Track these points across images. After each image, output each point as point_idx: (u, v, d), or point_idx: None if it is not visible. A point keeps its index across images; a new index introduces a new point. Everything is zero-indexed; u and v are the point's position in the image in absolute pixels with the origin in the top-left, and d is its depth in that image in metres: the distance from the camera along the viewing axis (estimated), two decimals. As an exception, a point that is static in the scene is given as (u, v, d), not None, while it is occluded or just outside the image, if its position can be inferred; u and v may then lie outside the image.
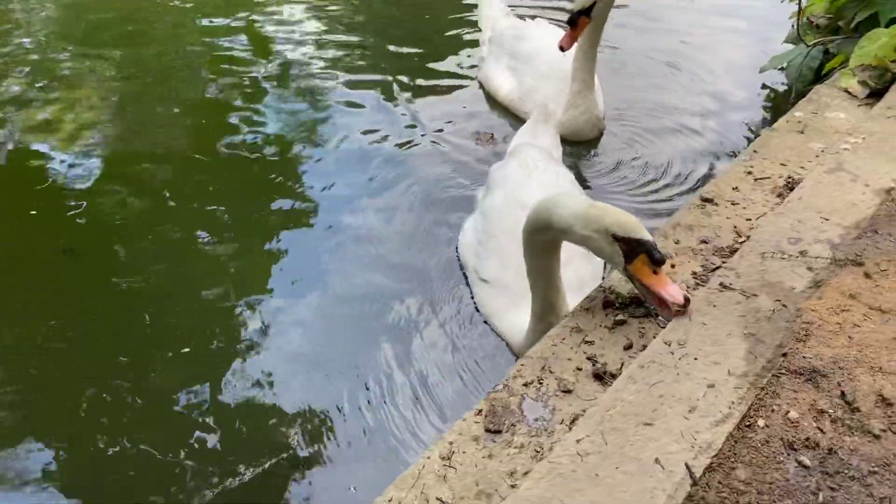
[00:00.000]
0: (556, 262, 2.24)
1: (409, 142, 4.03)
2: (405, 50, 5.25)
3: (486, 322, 2.83)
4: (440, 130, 4.15)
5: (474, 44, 5.19)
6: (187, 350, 2.76)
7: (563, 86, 3.92)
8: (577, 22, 3.54)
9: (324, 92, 4.63)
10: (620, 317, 2.07)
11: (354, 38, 5.45)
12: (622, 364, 1.91)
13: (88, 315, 2.93)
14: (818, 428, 1.62)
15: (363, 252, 3.22)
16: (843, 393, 1.70)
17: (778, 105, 4.42)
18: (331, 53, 5.18)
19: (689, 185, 3.61)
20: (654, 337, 1.99)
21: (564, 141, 3.80)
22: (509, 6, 5.04)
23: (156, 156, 3.96)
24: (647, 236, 1.90)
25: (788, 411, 1.66)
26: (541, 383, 1.87)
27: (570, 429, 1.70)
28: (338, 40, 5.41)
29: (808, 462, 1.55)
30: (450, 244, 3.23)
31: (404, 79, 4.77)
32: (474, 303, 2.90)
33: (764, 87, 4.64)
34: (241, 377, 2.67)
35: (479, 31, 5.09)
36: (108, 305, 2.97)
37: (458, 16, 5.81)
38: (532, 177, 2.95)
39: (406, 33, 5.55)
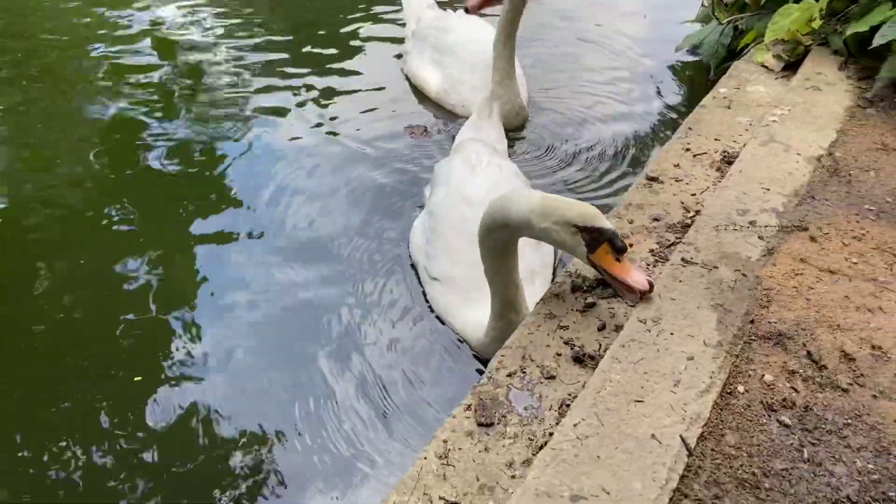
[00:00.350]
0: (513, 260, 2.22)
1: (334, 142, 3.92)
2: (323, 51, 5.12)
3: (440, 320, 2.78)
4: (364, 128, 4.06)
5: (396, 40, 5.15)
6: (117, 376, 2.58)
7: (487, 76, 3.94)
8: None
9: (241, 97, 4.47)
10: (590, 299, 2.12)
11: (268, 39, 5.28)
12: (599, 346, 1.95)
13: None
14: (792, 388, 1.72)
15: (297, 259, 3.09)
16: (809, 353, 1.80)
17: (693, 80, 4.60)
18: (244, 56, 5.01)
19: (620, 163, 3.68)
20: (625, 316, 2.06)
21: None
22: None
23: (61, 175, 3.66)
24: (608, 225, 1.90)
25: (763, 375, 1.75)
26: (524, 372, 1.89)
27: (560, 414, 1.73)
28: (250, 43, 5.22)
29: (788, 421, 1.64)
30: (390, 243, 3.16)
31: (325, 79, 4.66)
32: (428, 303, 2.84)
33: (680, 63, 4.82)
34: (176, 402, 2.49)
35: (400, 26, 5.04)
36: (22, 338, 2.73)
37: (373, 12, 5.74)
38: (476, 172, 2.92)
39: (322, 33, 5.42)
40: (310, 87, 4.53)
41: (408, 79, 4.56)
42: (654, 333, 1.84)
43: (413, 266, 3.00)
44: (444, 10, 4.77)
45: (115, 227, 3.28)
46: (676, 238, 2.36)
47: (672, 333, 1.83)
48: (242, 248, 3.18)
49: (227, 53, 5.05)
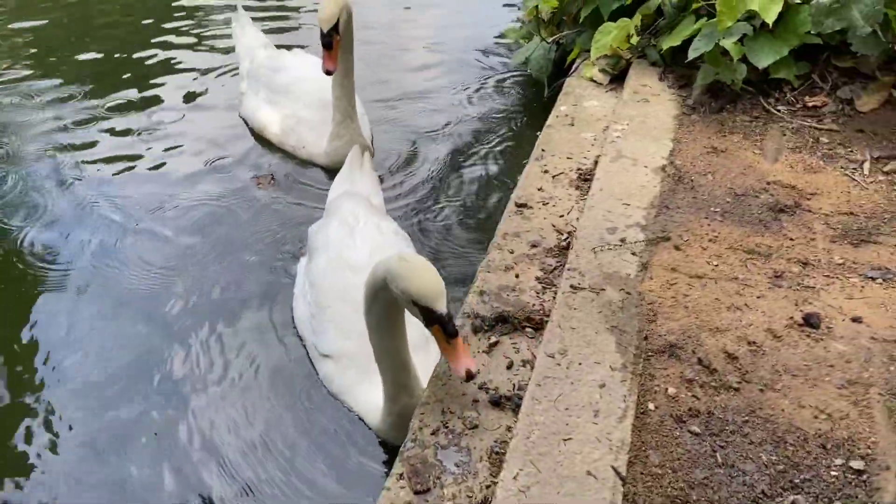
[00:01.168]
0: (401, 337, 2.12)
1: (172, 196, 3.68)
2: (145, 93, 4.80)
3: (337, 400, 2.55)
4: (205, 179, 3.83)
5: (228, 77, 4.94)
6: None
7: (326, 115, 3.86)
8: (332, 42, 3.54)
9: (55, 146, 4.10)
10: (493, 338, 2.16)
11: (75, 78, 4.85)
12: (512, 385, 2.00)
13: None
14: (693, 396, 1.87)
15: (132, 317, 2.91)
16: (699, 359, 1.97)
17: (527, 93, 4.84)
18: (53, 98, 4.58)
19: (477, 187, 3.72)
20: (528, 349, 2.13)
21: (332, 171, 3.74)
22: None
23: None
24: (441, 310, 1.85)
25: (667, 388, 1.88)
26: (447, 427, 1.89)
27: (492, 463, 1.76)
28: (54, 83, 4.79)
29: (697, 429, 1.78)
30: (232, 303, 2.98)
31: (151, 119, 4.40)
32: (321, 381, 2.62)
33: (512, 78, 5.04)
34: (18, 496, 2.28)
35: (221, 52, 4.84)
36: None
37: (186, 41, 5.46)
38: (354, 234, 2.78)
39: (143, 67, 5.08)
40: (133, 132, 4.24)
41: (245, 122, 4.39)
42: (564, 367, 1.92)
43: (300, 339, 2.82)
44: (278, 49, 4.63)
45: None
46: (557, 262, 2.48)
47: (580, 364, 1.92)
48: (68, 307, 2.98)
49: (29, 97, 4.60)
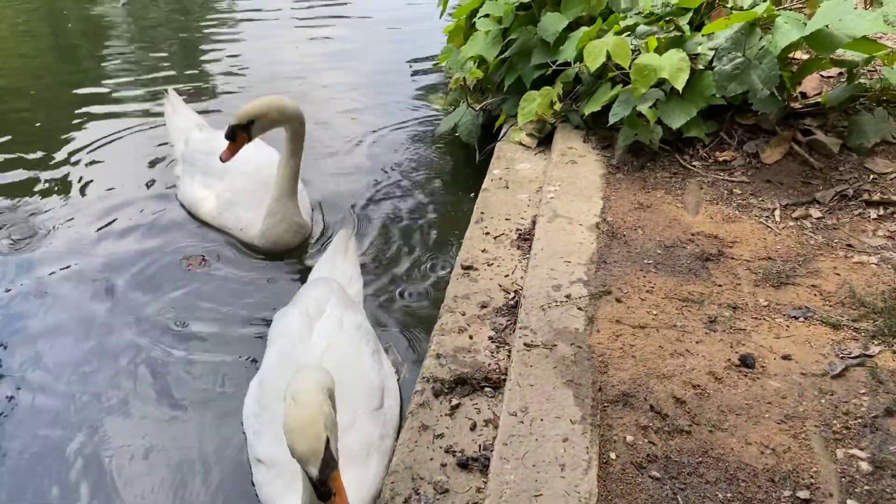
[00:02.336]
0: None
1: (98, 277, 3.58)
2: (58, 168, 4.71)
3: None
4: (132, 262, 3.73)
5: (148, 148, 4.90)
6: None
7: (264, 195, 3.79)
8: (236, 137, 3.54)
9: None
10: (454, 400, 2.22)
11: None
12: (478, 446, 2.05)
13: None
14: (650, 442, 1.97)
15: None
16: (651, 406, 2.08)
17: (457, 156, 5.01)
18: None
19: (425, 252, 3.82)
20: (489, 409, 2.20)
21: (268, 252, 3.77)
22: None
23: None
24: (312, 472, 1.67)
25: (625, 437, 1.98)
26: (418, 493, 1.92)
27: (466, 526, 1.80)
28: None
29: (657, 474, 1.87)
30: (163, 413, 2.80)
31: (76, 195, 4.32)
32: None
33: (441, 144, 5.22)
34: None
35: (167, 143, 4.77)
36: None
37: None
38: (313, 327, 2.60)
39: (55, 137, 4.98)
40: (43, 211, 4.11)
41: (182, 205, 4.28)
42: (527, 424, 1.99)
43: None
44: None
45: None
46: (507, 321, 2.58)
47: (542, 420, 2.00)
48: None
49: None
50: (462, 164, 4.91)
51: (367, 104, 5.87)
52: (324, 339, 2.55)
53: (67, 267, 3.67)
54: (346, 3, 8.84)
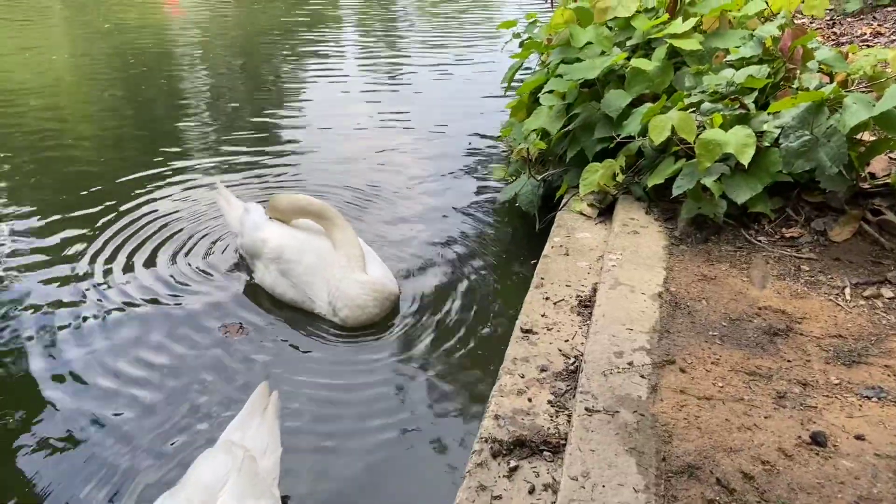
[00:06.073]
0: None
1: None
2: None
3: None
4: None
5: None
6: None
7: (336, 271, 3.79)
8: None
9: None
10: (513, 462, 2.20)
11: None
12: (537, 509, 2.02)
13: None
14: (717, 516, 1.90)
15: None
16: (718, 479, 2.02)
17: (516, 225, 5.09)
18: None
19: (488, 315, 3.87)
20: (548, 473, 2.16)
21: (355, 327, 3.74)
22: None
23: None
24: None
25: (691, 509, 1.92)
26: (475, 554, 1.89)
27: (524, 591, 1.75)
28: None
29: (725, 550, 1.80)
30: None
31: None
32: None
33: (500, 216, 5.32)
34: None
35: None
36: None
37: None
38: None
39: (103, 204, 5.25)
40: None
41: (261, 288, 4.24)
42: (588, 489, 1.95)
43: None
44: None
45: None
46: (567, 386, 2.56)
47: (604, 486, 1.96)
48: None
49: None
50: (521, 232, 4.98)
51: (429, 174, 6.04)
52: None
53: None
54: (406, 82, 9.20)
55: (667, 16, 4.54)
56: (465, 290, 4.18)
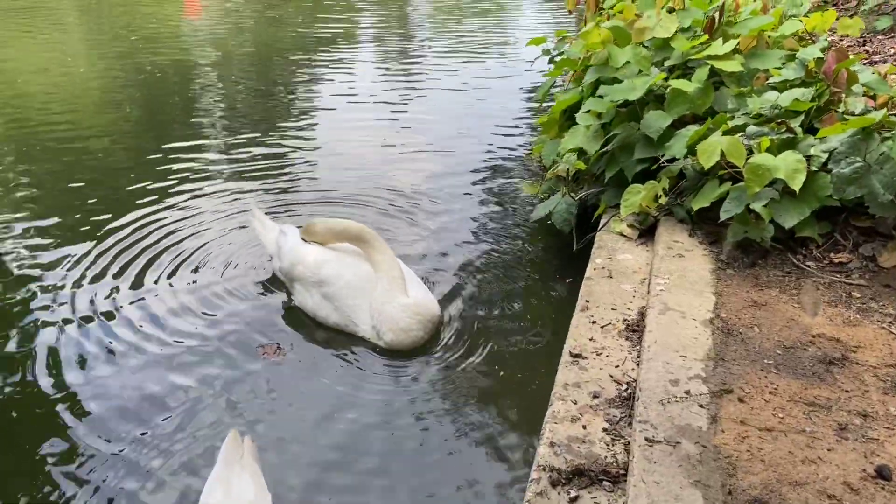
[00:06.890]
0: None
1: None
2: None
3: None
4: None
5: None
6: None
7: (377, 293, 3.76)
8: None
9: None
10: (573, 492, 2.18)
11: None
12: (601, 541, 2.00)
13: None
14: (789, 554, 1.87)
15: None
16: (786, 514, 1.99)
17: (549, 243, 5.07)
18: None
19: (529, 337, 3.84)
20: (608, 503, 2.14)
21: (399, 350, 3.72)
22: None
23: None
24: None
25: (761, 546, 1.89)
26: (542, 587, 1.87)
27: None
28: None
29: (800, 589, 1.77)
30: None
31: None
32: None
33: (530, 231, 5.31)
34: None
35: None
36: None
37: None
38: None
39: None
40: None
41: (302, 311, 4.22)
42: (656, 523, 1.93)
43: None
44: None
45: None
46: (622, 413, 2.54)
47: (672, 520, 1.94)
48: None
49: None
50: (554, 250, 4.97)
51: (455, 190, 6.04)
52: None
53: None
54: (423, 94, 9.23)
55: (706, 36, 4.53)
56: (504, 310, 4.18)
